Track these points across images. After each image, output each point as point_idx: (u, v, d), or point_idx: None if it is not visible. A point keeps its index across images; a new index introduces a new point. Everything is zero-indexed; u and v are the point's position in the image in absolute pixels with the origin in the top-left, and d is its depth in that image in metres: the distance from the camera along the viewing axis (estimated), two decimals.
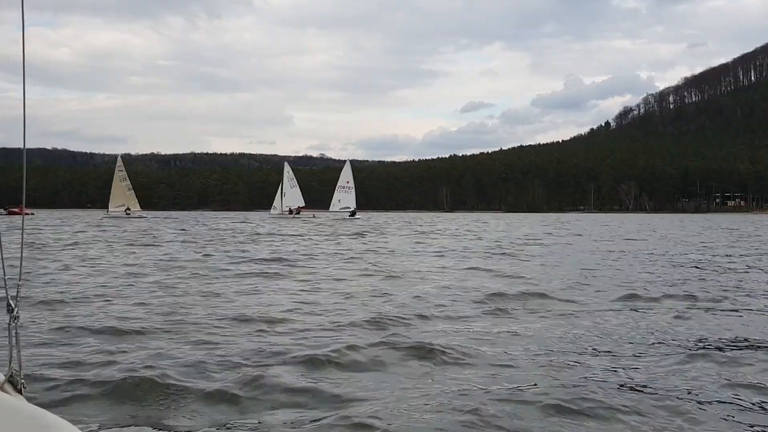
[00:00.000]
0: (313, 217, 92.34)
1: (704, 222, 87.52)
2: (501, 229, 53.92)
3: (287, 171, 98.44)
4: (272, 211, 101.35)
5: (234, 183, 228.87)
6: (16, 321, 2.20)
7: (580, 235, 43.78)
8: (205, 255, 22.65)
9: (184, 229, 47.85)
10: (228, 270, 17.47)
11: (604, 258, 22.84)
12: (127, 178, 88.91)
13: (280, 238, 36.51)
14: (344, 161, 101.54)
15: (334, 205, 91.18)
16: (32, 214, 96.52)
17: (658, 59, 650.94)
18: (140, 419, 5.60)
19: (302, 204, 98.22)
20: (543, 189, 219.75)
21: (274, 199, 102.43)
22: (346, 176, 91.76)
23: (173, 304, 11.12)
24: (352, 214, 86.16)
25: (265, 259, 20.84)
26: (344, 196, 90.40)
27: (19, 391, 1.84)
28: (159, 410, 5.80)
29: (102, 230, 45.29)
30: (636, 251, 26.59)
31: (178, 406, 5.86)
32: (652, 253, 25.32)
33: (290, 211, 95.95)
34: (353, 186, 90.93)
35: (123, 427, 5.40)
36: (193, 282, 14.58)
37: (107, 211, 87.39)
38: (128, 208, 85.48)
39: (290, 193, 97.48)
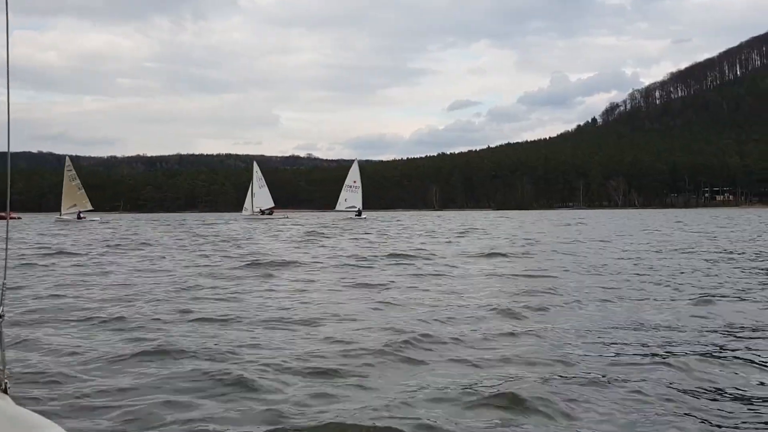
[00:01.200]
0: (286, 217, 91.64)
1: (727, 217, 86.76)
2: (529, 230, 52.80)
3: (256, 171, 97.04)
4: (243, 212, 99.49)
5: (221, 184, 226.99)
6: (0, 321, 2.16)
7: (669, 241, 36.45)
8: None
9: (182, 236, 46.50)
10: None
11: None
12: (77, 178, 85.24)
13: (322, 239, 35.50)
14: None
15: (341, 204, 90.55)
16: (19, 218, 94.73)
17: (644, 55, 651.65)
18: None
19: (272, 204, 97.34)
20: (531, 186, 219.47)
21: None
22: (354, 176, 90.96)
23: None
24: (358, 214, 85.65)
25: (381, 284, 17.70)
26: (350, 195, 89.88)
27: (5, 391, 1.79)
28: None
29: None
30: None
31: None
32: None
33: (262, 212, 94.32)
34: (360, 185, 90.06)
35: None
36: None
37: (60, 214, 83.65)
38: (80, 212, 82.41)
39: (259, 194, 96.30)
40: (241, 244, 33.16)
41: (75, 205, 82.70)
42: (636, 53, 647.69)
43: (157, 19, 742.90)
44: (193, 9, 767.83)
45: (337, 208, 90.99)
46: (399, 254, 24.05)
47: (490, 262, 21.19)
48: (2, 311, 2.19)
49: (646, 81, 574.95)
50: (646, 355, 7.90)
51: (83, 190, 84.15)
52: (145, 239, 37.60)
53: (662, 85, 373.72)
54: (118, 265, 20.47)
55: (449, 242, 33.62)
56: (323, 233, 44.36)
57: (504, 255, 23.80)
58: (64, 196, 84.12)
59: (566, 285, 14.76)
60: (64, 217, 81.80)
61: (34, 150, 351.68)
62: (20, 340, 8.85)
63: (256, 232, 47.68)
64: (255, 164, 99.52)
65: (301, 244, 32.67)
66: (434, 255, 23.94)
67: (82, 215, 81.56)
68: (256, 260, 21.37)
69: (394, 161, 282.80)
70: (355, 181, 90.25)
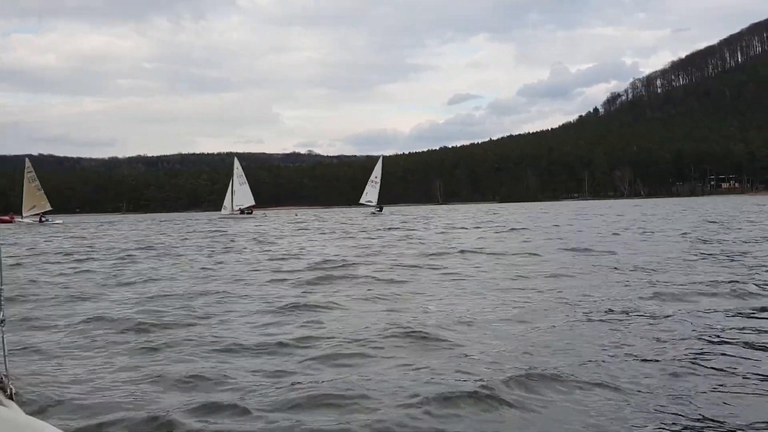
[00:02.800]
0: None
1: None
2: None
3: (236, 167, 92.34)
4: (223, 211, 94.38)
5: (225, 183, 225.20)
6: (2, 326, 2.15)
7: None
8: None
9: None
10: None
11: None
12: (36, 179, 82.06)
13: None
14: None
15: (363, 197, 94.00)
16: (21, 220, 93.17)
17: (642, 45, 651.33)
18: None
19: (252, 203, 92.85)
20: (536, 178, 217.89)
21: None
22: (377, 171, 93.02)
23: None
24: (380, 209, 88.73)
25: None
26: (371, 189, 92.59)
27: (10, 397, 1.75)
28: None
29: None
30: None
31: None
32: None
33: (241, 211, 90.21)
34: (379, 181, 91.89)
35: None
36: None
37: (21, 217, 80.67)
38: (41, 216, 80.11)
39: (240, 191, 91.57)
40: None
41: (35, 207, 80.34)
42: (634, 43, 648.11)
43: (155, 19, 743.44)
44: (192, 9, 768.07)
45: (361, 201, 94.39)
46: None
47: None
48: (2, 315, 2.18)
49: (646, 70, 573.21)
50: None
51: (42, 192, 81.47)
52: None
53: (663, 73, 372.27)
54: None
55: None
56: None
57: None
58: (24, 199, 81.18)
59: None
60: (25, 220, 78.93)
61: (34, 152, 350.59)
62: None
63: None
64: (236, 160, 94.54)
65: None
66: None
67: (44, 218, 79.34)
68: None
69: (396, 156, 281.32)
70: (376, 177, 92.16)
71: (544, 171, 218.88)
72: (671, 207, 79.94)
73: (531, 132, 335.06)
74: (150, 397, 6.12)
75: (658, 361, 7.04)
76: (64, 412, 5.81)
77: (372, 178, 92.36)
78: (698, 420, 5.38)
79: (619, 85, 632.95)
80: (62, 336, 9.10)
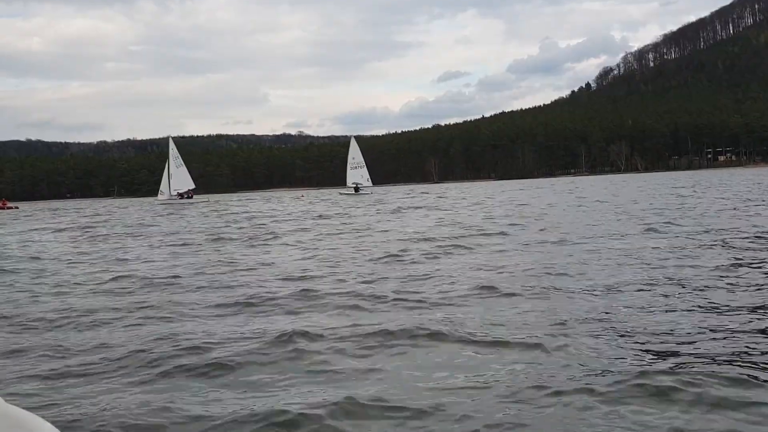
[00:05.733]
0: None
1: None
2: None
3: (172, 148, 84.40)
4: (159, 196, 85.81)
5: (216, 165, 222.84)
6: None
7: None
8: None
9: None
10: None
11: None
12: None
13: None
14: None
15: (349, 180, 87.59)
16: (17, 207, 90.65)
17: (631, 19, 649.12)
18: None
19: (192, 186, 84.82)
20: (531, 154, 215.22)
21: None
22: (353, 153, 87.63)
23: None
24: (356, 189, 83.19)
25: None
26: (352, 172, 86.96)
27: None
28: None
29: None
30: None
31: None
32: None
33: (180, 195, 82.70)
34: (362, 162, 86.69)
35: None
36: None
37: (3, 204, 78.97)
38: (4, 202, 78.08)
39: (177, 174, 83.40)
40: None
41: None
42: (623, 17, 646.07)
43: (141, 1, 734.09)
44: None
45: (348, 184, 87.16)
46: None
47: None
48: None
49: (635, 45, 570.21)
50: None
51: None
52: None
53: (655, 47, 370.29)
54: None
55: None
56: None
57: None
58: None
59: None
60: None
61: (22, 138, 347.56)
62: None
63: None
64: (171, 141, 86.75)
65: None
66: None
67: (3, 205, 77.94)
68: None
69: (389, 135, 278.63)
70: (353, 158, 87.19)
71: (541, 147, 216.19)
72: (699, 179, 77.96)
73: (523, 108, 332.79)
74: None
75: None
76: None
77: (349, 160, 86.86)
78: None
79: (609, 59, 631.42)
80: None
